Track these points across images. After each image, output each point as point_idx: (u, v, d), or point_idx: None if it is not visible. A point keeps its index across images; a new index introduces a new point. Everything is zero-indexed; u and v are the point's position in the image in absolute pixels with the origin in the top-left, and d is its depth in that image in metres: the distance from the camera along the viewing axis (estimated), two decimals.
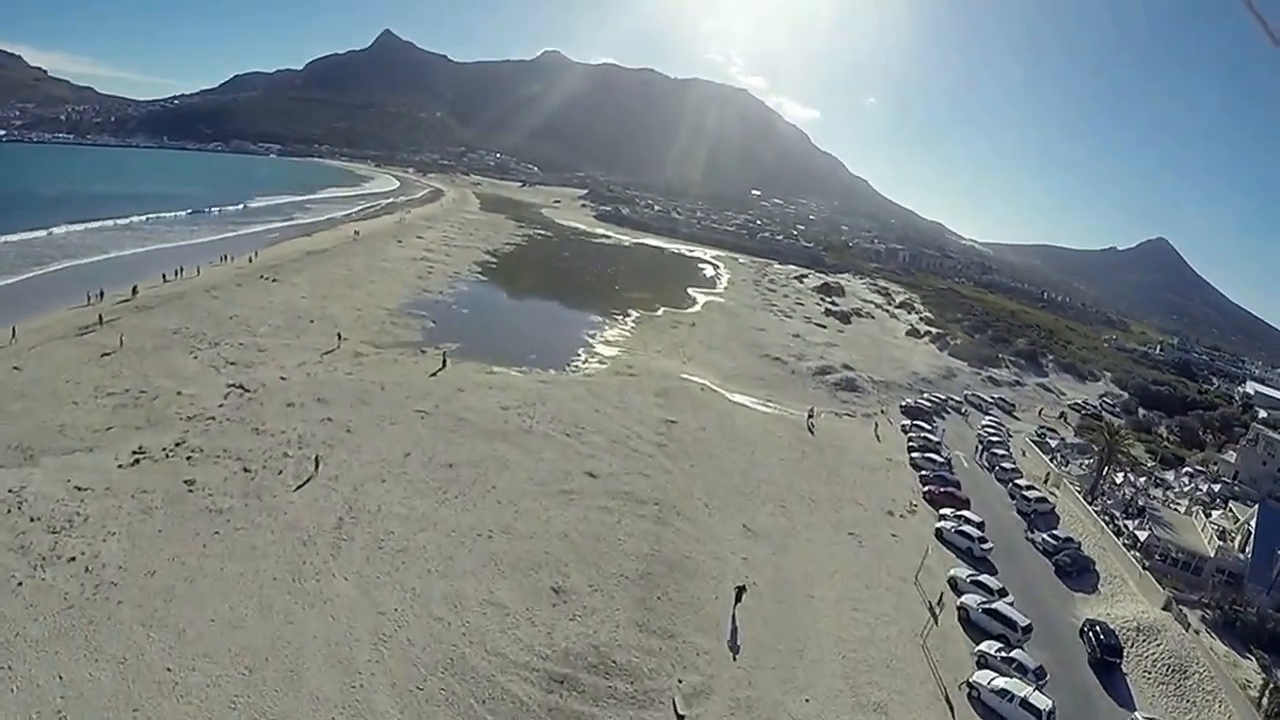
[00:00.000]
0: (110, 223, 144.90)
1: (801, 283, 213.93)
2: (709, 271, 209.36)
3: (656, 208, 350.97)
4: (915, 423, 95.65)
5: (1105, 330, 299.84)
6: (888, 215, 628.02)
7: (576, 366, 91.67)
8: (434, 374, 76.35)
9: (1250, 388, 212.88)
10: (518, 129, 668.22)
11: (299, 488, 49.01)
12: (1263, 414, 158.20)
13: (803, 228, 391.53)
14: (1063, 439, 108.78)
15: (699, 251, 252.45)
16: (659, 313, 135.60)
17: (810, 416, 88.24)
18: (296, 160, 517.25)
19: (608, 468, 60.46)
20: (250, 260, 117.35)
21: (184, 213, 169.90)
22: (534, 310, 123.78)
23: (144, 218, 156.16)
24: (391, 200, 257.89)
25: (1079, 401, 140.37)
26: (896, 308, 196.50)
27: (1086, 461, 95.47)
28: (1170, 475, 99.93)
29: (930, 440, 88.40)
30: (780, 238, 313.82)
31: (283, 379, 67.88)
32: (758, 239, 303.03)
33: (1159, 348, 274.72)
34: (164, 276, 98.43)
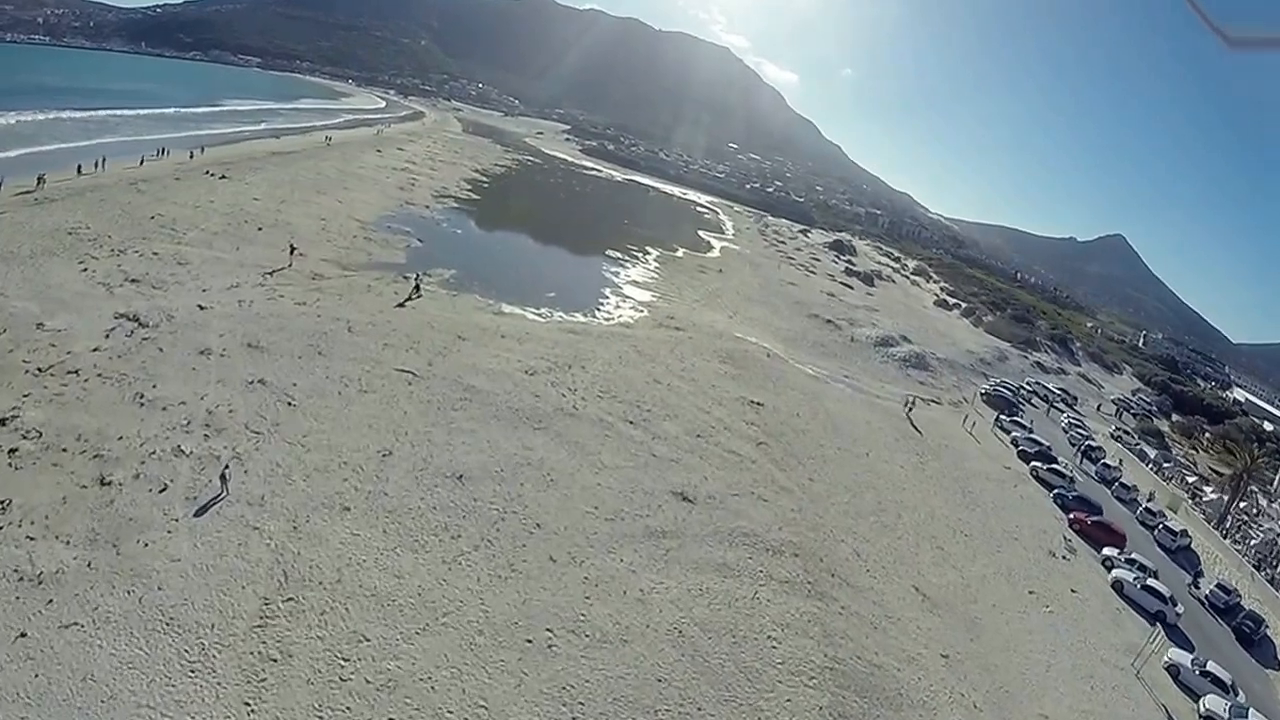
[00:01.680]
0: (56, 114, 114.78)
1: (806, 237, 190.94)
2: (709, 216, 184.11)
3: (641, 148, 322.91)
4: (1012, 419, 73.88)
5: (1078, 316, 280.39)
6: (860, 181, 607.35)
7: (608, 312, 67.22)
8: (403, 304, 52.58)
9: (1238, 394, 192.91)
10: (500, 63, 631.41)
11: (196, 514, 25.71)
12: (1267, 425, 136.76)
13: (780, 184, 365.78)
14: (1139, 443, 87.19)
15: (692, 195, 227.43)
16: (679, 254, 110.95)
17: (909, 406, 66.08)
18: (277, 75, 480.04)
19: (704, 483, 37.43)
20: (191, 156, 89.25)
21: (146, 111, 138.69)
22: (541, 238, 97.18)
23: (100, 112, 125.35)
24: (375, 117, 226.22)
25: (1119, 397, 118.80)
26: (913, 274, 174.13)
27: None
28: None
29: (1039, 444, 66.68)
30: (770, 190, 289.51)
31: (201, 308, 42.87)
32: (746, 189, 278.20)
33: (1143, 340, 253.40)
34: (79, 168, 70.78)
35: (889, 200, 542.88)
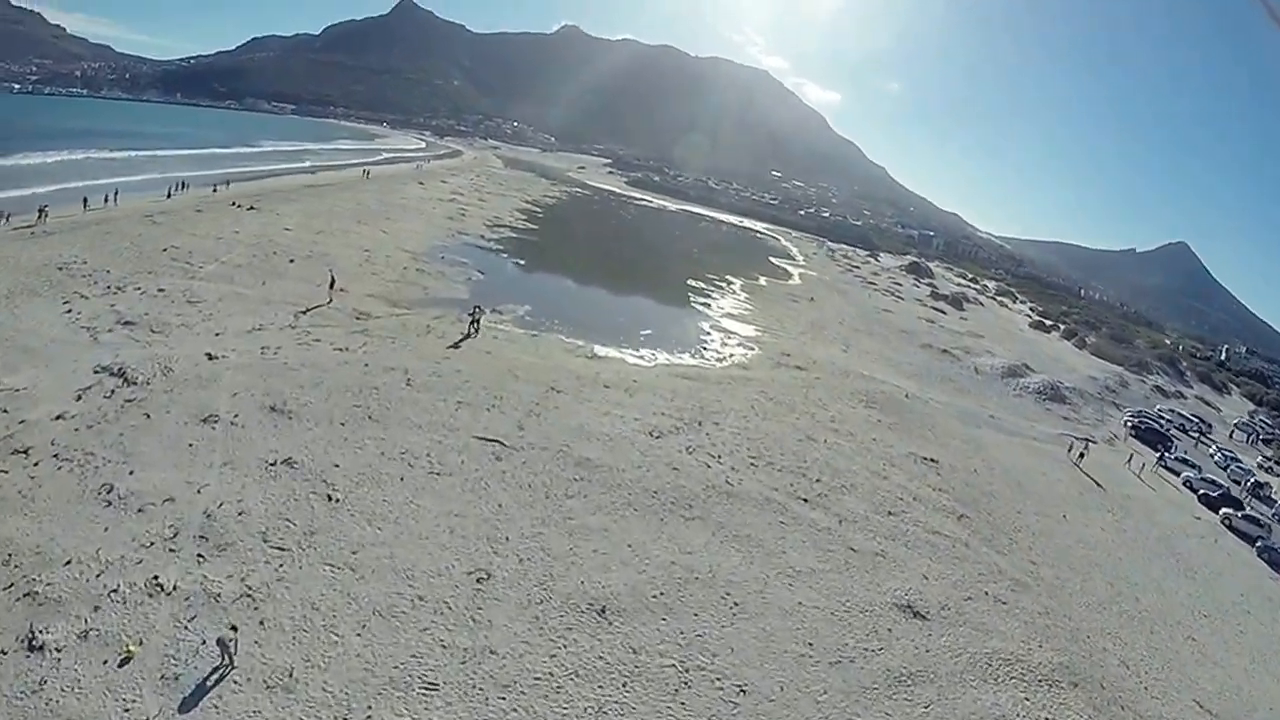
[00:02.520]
0: (83, 155, 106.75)
1: (877, 260, 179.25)
2: (774, 243, 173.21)
3: (689, 178, 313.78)
4: (1176, 458, 64.16)
5: (1149, 332, 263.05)
6: (906, 203, 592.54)
7: (716, 351, 55.94)
8: (458, 344, 41.85)
9: None
10: (534, 99, 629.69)
11: (181, 709, 15.15)
12: None
13: (827, 212, 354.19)
14: None
15: (747, 223, 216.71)
16: (762, 283, 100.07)
17: (1079, 453, 55.12)
18: (312, 120, 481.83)
19: (927, 586, 27.15)
20: (215, 190, 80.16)
21: (177, 151, 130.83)
22: (612, 269, 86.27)
23: (130, 153, 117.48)
24: (413, 154, 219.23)
25: (1241, 421, 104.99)
26: (996, 296, 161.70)
27: None
28: None
29: (1218, 485, 58.47)
30: (826, 214, 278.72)
31: (211, 357, 32.47)
32: (799, 215, 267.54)
33: (1225, 354, 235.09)
34: (84, 201, 61.55)
35: (938, 221, 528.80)
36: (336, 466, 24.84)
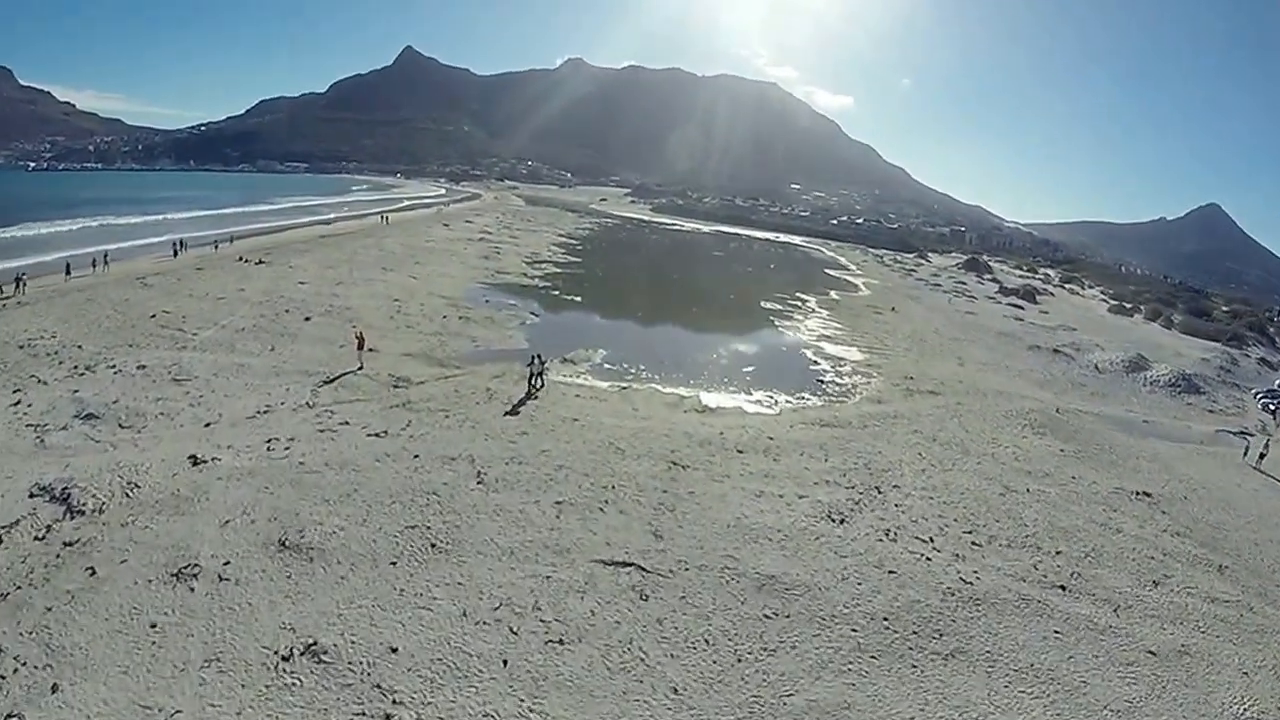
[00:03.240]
0: (85, 223, 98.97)
1: (928, 261, 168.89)
2: (820, 256, 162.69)
3: (715, 199, 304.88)
4: None
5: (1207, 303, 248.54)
6: (929, 201, 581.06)
7: (836, 383, 45.34)
8: (515, 410, 31.74)
9: None
10: (546, 137, 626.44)
11: None
12: None
13: (861, 219, 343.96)
14: None
15: (784, 238, 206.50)
16: (835, 297, 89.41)
17: (1257, 451, 44.04)
18: (325, 177, 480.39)
19: (1262, 692, 17.44)
20: (216, 248, 71.74)
21: (188, 214, 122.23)
22: (673, 298, 75.86)
23: (140, 218, 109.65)
24: (432, 199, 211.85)
25: None
26: (1062, 284, 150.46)
27: None
28: None
29: None
30: (860, 221, 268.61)
31: (197, 461, 22.91)
32: (832, 224, 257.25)
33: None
34: (67, 268, 52.89)
35: (963, 215, 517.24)
36: (394, 652, 14.87)
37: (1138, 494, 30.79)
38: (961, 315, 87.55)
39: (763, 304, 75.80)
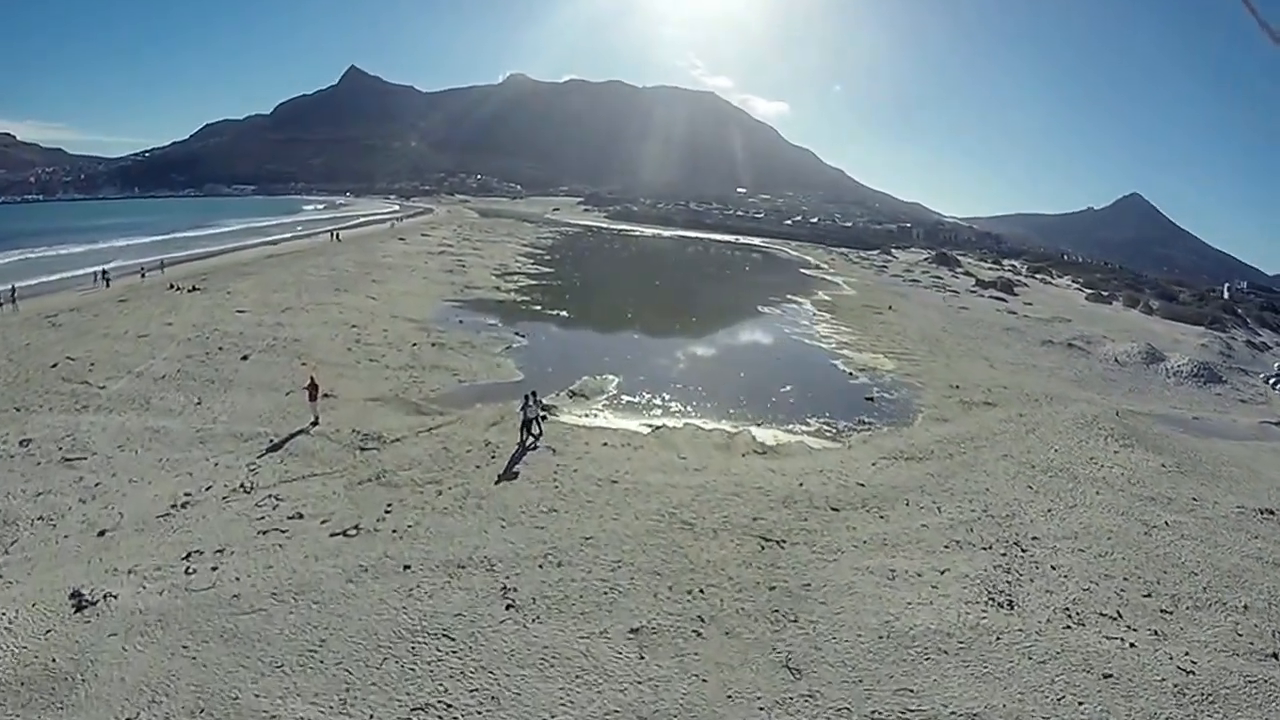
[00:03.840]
0: (10, 258, 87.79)
1: (894, 256, 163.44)
2: (785, 256, 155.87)
3: (669, 205, 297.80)
4: None
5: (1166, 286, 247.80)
6: (871, 200, 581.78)
7: (888, 402, 37.57)
8: (510, 474, 23.38)
9: None
10: (494, 151, 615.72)
11: None
12: None
13: (815, 218, 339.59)
14: None
15: (744, 240, 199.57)
16: (826, 298, 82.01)
17: None
18: (272, 198, 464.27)
19: None
20: (142, 276, 62.50)
21: (125, 241, 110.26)
22: (666, 305, 67.62)
23: (66, 250, 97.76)
24: (385, 215, 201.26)
25: None
26: (1035, 274, 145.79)
27: None
28: None
29: None
30: (814, 220, 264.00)
31: (78, 605, 14.54)
32: (786, 225, 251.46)
33: (1227, 291, 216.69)
34: None
35: (904, 213, 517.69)
36: None
37: (1262, 512, 24.77)
38: (957, 311, 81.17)
39: (760, 308, 68.52)
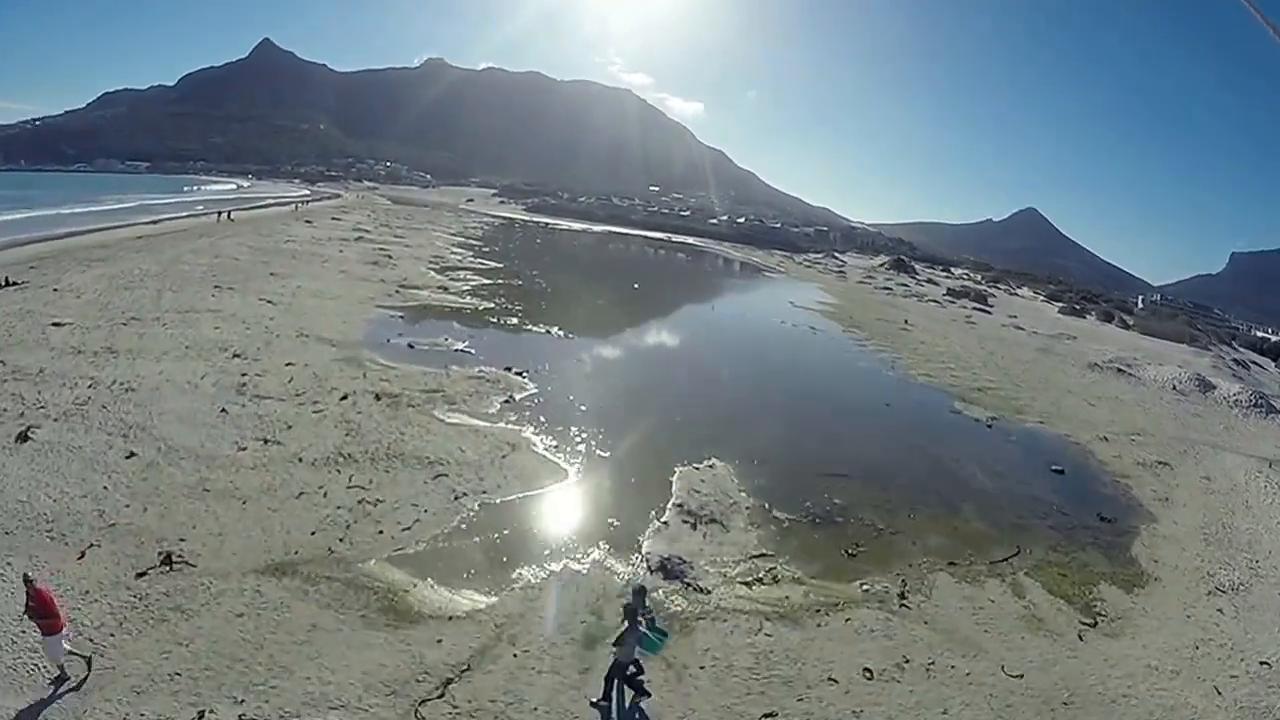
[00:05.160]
0: None
1: (841, 260, 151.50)
2: (733, 256, 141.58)
3: (591, 199, 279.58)
4: None
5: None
6: (782, 203, 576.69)
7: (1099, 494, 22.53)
8: None
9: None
10: (404, 138, 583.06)
11: None
12: None
13: (741, 218, 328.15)
14: None
15: (677, 238, 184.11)
16: (833, 305, 67.81)
17: None
18: (167, 177, 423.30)
19: None
20: None
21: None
22: (684, 322, 53.62)
23: None
24: (288, 197, 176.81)
25: None
26: (993, 284, 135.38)
27: None
28: None
29: None
30: (740, 220, 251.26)
31: None
32: (709, 224, 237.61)
33: (1142, 304, 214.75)
34: None
35: (816, 216, 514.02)
36: None
37: None
38: (969, 326, 67.98)
39: (791, 324, 53.02)
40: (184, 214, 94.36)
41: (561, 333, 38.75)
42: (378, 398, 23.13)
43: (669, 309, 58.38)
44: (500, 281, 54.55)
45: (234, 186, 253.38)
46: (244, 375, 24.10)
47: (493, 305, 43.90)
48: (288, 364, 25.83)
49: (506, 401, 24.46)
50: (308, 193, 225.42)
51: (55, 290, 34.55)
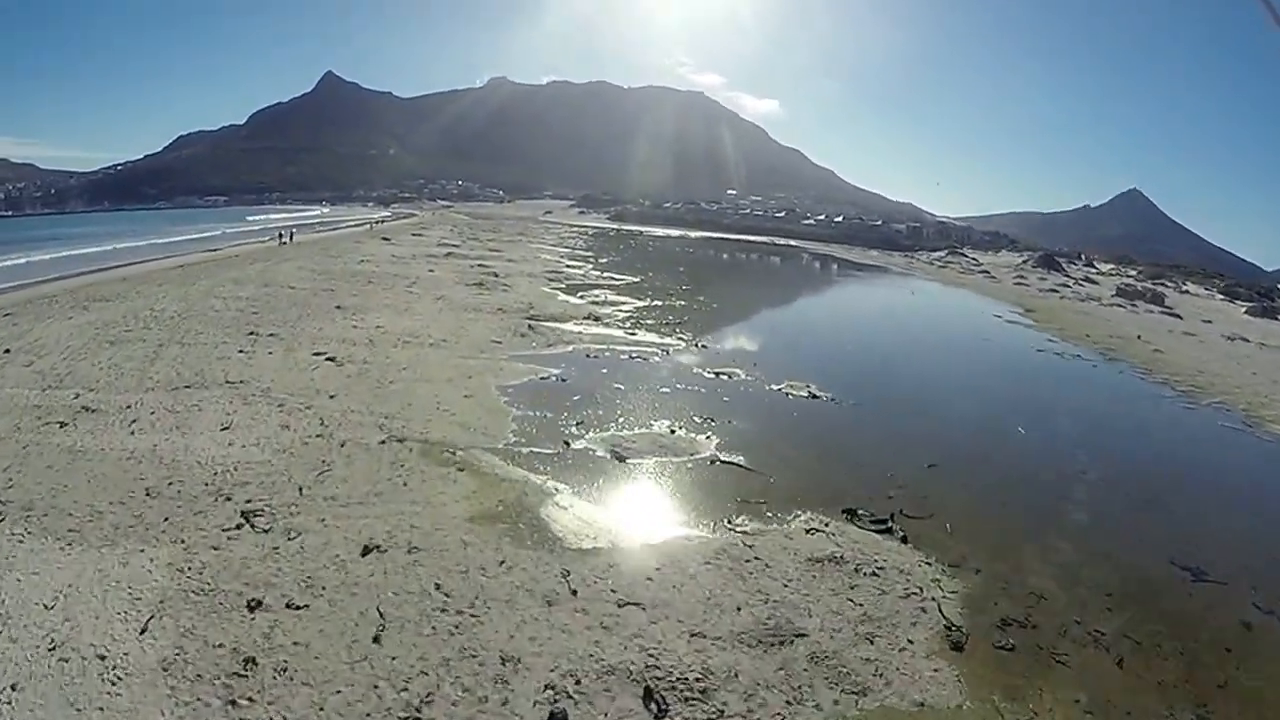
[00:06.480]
0: None
1: (968, 257, 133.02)
2: (852, 259, 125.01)
3: (669, 205, 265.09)
4: None
5: None
6: (864, 201, 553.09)
7: None
8: None
9: None
10: (474, 156, 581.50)
11: None
12: None
13: (840, 217, 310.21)
14: None
15: (781, 241, 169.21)
16: (1051, 317, 51.14)
17: None
18: (244, 208, 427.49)
19: None
20: None
21: (44, 255, 75.17)
22: (919, 350, 36.57)
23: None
24: (360, 218, 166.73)
25: None
26: (1156, 280, 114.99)
27: None
28: None
29: None
30: (839, 219, 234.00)
31: None
32: (803, 225, 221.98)
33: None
34: None
35: (898, 212, 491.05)
36: None
37: None
38: (1182, 337, 49.63)
39: (1036, 348, 36.46)
40: (241, 241, 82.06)
41: (828, 395, 22.72)
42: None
43: (888, 330, 42.59)
44: (656, 303, 39.06)
45: (318, 212, 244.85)
46: (262, 622, 9.00)
47: (681, 342, 28.42)
48: (367, 549, 10.64)
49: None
50: (387, 213, 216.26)
51: (7, 351, 20.75)
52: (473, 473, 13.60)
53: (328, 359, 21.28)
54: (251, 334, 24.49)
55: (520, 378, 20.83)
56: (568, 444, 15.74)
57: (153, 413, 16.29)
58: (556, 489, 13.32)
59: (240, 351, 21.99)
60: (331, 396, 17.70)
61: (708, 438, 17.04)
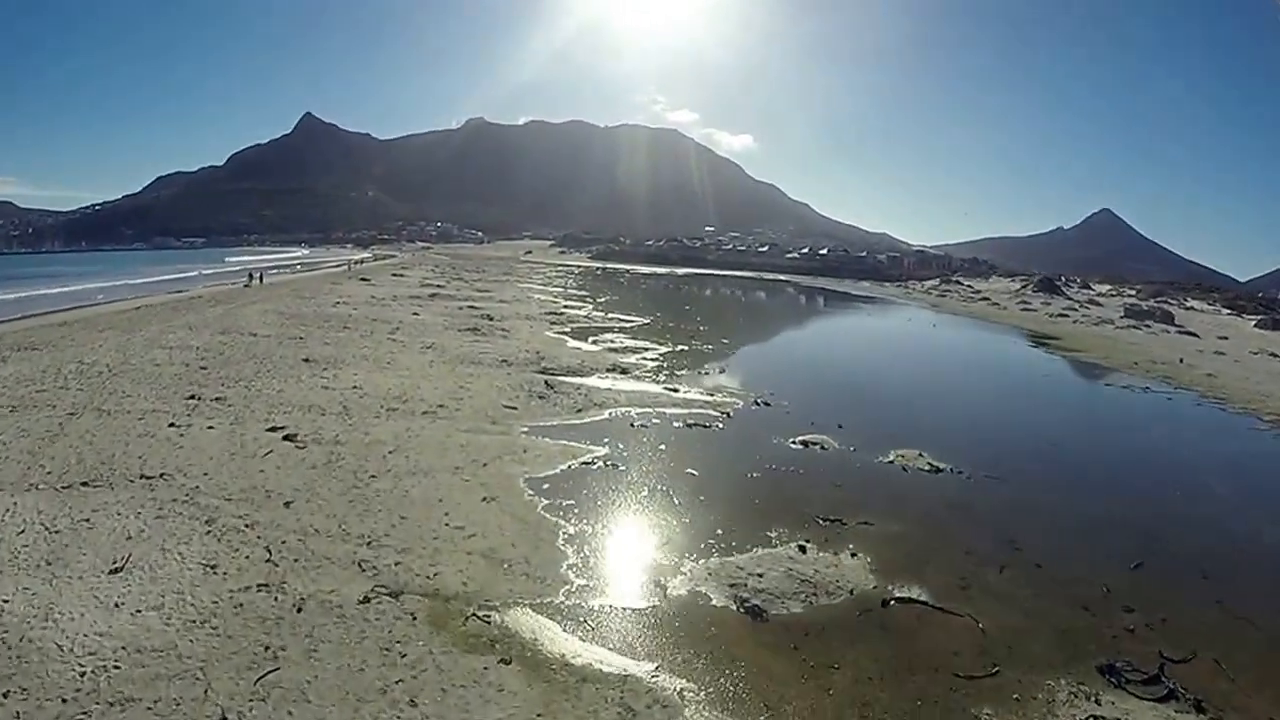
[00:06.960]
0: None
1: (964, 284, 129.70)
2: (845, 290, 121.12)
3: (651, 243, 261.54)
4: None
5: None
6: (840, 233, 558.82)
7: None
8: None
9: None
10: (452, 197, 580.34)
11: None
12: None
13: (824, 249, 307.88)
14: None
15: (769, 276, 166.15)
16: (1079, 347, 45.97)
17: None
18: (221, 250, 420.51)
19: None
20: None
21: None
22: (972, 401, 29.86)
23: None
24: (338, 259, 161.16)
25: None
26: (1155, 299, 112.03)
27: None
28: None
29: None
30: (824, 251, 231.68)
31: None
32: (786, 258, 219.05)
33: None
34: None
35: (880, 243, 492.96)
36: None
37: None
38: (1214, 356, 45.55)
39: (1104, 381, 32.23)
40: (219, 282, 76.07)
41: (951, 467, 17.39)
42: None
43: (943, 371, 37.63)
44: (680, 347, 33.82)
45: (297, 254, 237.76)
46: None
47: (737, 399, 23.10)
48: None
49: None
50: (367, 255, 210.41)
51: None
52: (527, 664, 8.01)
53: (286, 437, 15.63)
54: (192, 398, 18.85)
55: (555, 464, 15.13)
56: (663, 588, 10.07)
57: (20, 532, 10.65)
58: (679, 693, 7.78)
59: (171, 425, 16.33)
60: (287, 504, 12.02)
61: (854, 555, 11.52)
